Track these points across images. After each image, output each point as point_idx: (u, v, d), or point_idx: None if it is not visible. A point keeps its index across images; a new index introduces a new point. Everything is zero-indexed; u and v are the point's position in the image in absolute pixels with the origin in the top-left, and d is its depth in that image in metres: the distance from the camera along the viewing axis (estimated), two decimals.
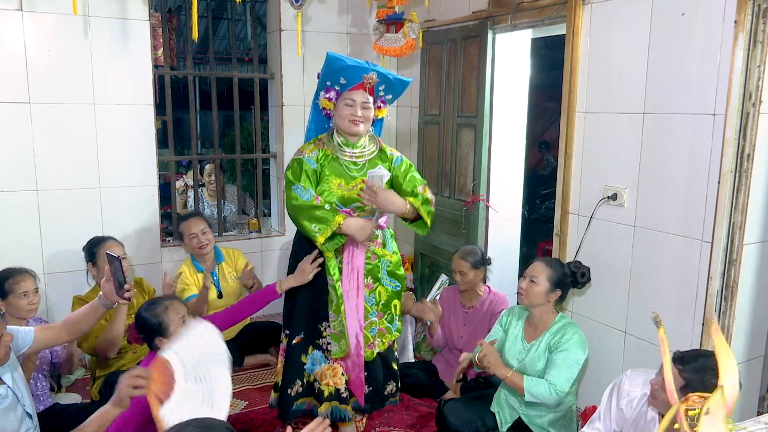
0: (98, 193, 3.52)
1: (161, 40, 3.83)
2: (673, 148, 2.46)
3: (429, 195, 2.66)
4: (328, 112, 2.63)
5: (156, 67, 3.70)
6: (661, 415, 1.95)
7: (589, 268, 2.70)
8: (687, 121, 2.40)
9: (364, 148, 2.62)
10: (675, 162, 2.46)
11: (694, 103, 2.37)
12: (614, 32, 2.67)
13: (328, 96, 2.56)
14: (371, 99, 2.55)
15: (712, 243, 2.34)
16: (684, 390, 1.72)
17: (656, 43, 2.50)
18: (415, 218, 2.67)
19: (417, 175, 2.72)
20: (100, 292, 2.13)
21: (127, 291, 2.10)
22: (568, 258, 2.95)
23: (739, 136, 2.22)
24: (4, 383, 1.94)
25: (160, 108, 3.82)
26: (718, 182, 2.29)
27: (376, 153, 2.66)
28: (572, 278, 2.64)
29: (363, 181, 2.56)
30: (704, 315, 2.39)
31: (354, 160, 2.59)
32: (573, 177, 2.93)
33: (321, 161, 2.57)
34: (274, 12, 4.04)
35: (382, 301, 2.71)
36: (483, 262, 3.17)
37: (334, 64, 2.49)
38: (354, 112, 2.52)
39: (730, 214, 2.28)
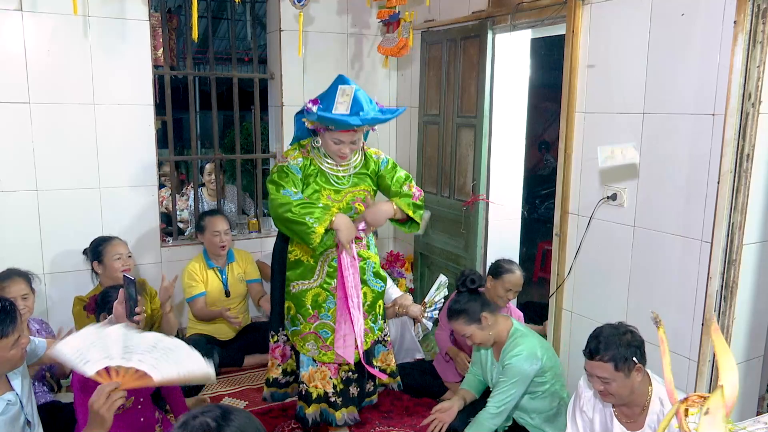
0: (98, 193, 3.51)
1: (161, 40, 3.83)
2: (673, 148, 2.47)
3: (414, 190, 2.66)
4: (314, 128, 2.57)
5: (156, 67, 3.69)
6: (614, 407, 2.08)
7: (477, 273, 2.62)
8: (687, 121, 2.40)
9: (350, 160, 2.61)
10: (675, 162, 2.46)
11: (693, 103, 2.37)
12: (614, 32, 2.67)
13: (314, 128, 2.52)
14: (361, 136, 2.53)
15: (711, 243, 2.34)
16: None
17: (656, 43, 2.50)
18: (404, 219, 2.66)
19: (401, 173, 2.70)
20: (110, 315, 2.08)
21: (138, 315, 2.05)
22: (568, 258, 2.97)
23: (739, 136, 2.22)
24: (13, 390, 1.93)
25: (159, 108, 3.81)
26: (718, 182, 2.29)
27: (362, 163, 2.64)
28: (465, 288, 2.56)
29: (350, 192, 2.58)
30: (704, 315, 2.39)
31: (341, 174, 2.59)
32: (573, 177, 2.93)
33: (306, 171, 2.53)
34: (274, 12, 4.04)
35: (368, 302, 2.69)
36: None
37: (322, 118, 2.39)
38: (342, 149, 2.48)
39: (730, 214, 2.28)
